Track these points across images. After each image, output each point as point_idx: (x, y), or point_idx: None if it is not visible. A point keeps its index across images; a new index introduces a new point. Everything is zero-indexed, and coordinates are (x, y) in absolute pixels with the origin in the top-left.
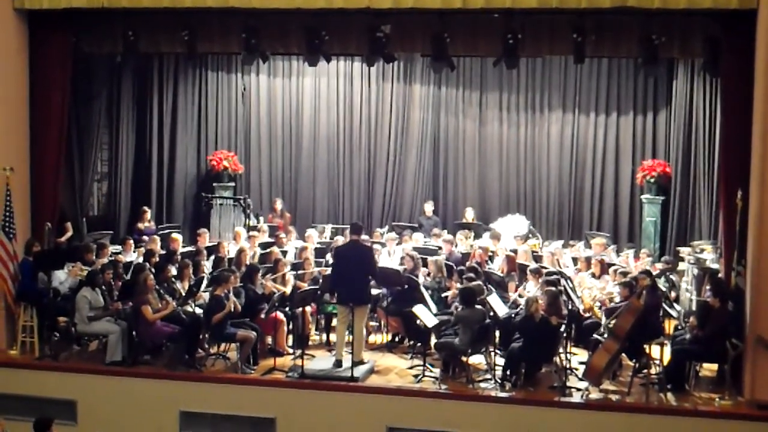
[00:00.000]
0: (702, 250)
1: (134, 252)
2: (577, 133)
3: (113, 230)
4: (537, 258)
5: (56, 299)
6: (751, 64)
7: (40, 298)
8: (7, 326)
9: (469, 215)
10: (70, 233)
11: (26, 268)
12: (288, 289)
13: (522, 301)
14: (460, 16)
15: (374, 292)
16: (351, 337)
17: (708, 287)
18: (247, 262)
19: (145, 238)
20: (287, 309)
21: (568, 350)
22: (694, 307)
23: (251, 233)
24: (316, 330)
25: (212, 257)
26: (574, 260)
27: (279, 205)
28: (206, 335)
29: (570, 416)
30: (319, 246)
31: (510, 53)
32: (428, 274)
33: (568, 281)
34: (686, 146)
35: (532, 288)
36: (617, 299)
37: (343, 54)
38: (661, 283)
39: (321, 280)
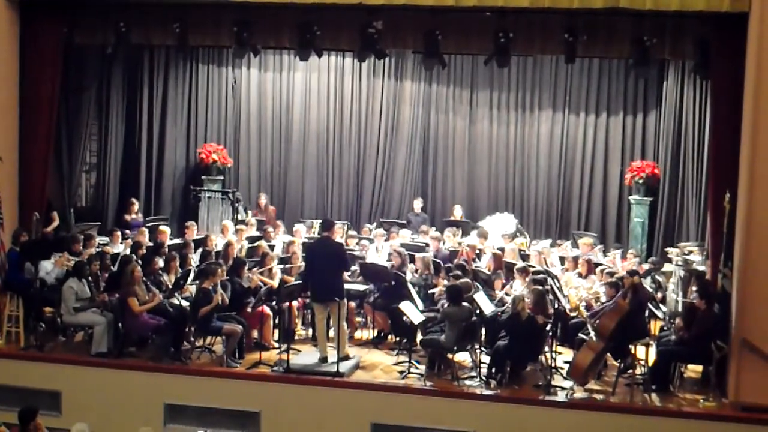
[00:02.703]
0: (689, 252)
1: (121, 243)
2: (566, 132)
3: (101, 221)
4: (524, 257)
5: (42, 289)
6: (741, 67)
7: (27, 288)
8: None
9: (458, 213)
10: (56, 223)
11: (13, 258)
12: (275, 283)
13: (508, 300)
14: (452, 14)
15: (361, 288)
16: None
17: (694, 289)
18: (235, 256)
19: (128, 232)
20: (274, 303)
21: (553, 349)
22: (680, 309)
23: (239, 227)
24: (302, 325)
25: (200, 250)
26: (562, 259)
27: (263, 200)
28: (192, 328)
29: (554, 415)
30: (307, 241)
31: (501, 52)
32: (415, 271)
33: (555, 280)
34: (675, 148)
35: (518, 286)
36: (603, 299)
37: (334, 49)
38: (648, 284)
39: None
